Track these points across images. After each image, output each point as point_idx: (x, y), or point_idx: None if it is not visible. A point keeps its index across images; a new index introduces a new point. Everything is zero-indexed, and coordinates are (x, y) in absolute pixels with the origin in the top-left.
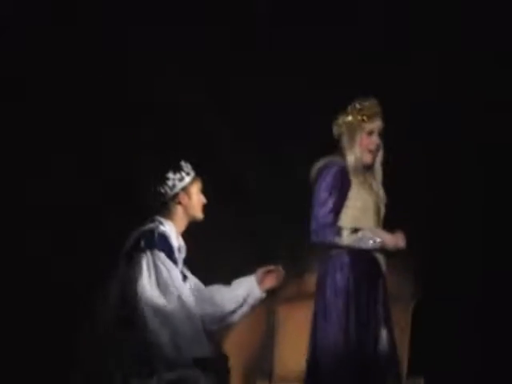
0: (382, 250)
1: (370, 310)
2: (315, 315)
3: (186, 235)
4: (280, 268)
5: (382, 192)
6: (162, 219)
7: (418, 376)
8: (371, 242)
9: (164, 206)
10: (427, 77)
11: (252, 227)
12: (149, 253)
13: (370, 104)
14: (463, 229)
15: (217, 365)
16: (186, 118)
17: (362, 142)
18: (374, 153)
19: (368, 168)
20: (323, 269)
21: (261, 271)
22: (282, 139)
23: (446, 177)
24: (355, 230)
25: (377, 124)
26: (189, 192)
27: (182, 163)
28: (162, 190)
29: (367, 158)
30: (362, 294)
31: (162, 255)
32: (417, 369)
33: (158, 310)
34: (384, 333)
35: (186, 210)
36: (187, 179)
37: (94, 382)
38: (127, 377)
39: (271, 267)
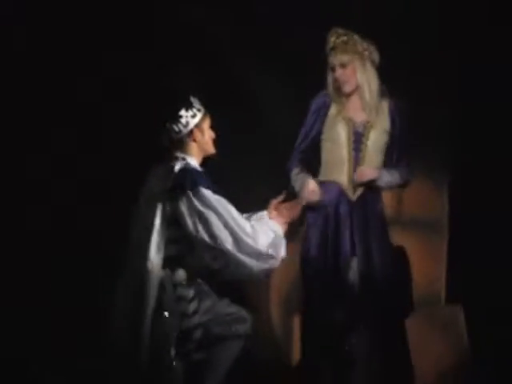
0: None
1: (339, 241)
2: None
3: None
4: (297, 202)
5: (374, 111)
6: (185, 156)
7: (455, 303)
8: (297, 188)
9: (179, 144)
10: None
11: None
12: (205, 191)
13: (331, 37)
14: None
15: None
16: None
17: (331, 78)
18: (342, 84)
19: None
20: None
21: (273, 204)
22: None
23: None
24: (300, 171)
25: (337, 58)
26: (201, 128)
27: (192, 99)
28: (176, 129)
29: (342, 89)
30: (330, 223)
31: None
32: (454, 296)
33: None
34: (354, 263)
35: (200, 146)
36: (199, 115)
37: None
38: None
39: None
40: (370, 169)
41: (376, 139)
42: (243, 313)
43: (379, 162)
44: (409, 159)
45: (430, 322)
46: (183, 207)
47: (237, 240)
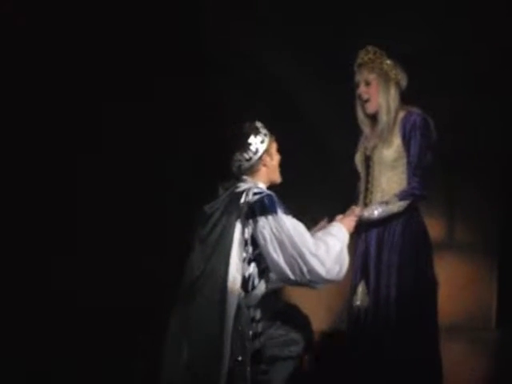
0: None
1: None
2: None
3: None
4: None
5: (386, 132)
6: (254, 180)
7: (508, 328)
8: None
9: (249, 170)
10: None
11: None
12: (284, 217)
13: (360, 53)
14: None
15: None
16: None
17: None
18: (364, 102)
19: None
20: None
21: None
22: None
23: None
24: None
25: (362, 75)
26: (270, 152)
27: (258, 124)
28: (247, 156)
29: (365, 109)
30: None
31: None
32: (506, 321)
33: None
34: (360, 289)
35: (268, 171)
36: (267, 140)
37: None
38: None
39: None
40: (359, 208)
41: (382, 157)
42: (294, 334)
43: (390, 179)
44: (422, 174)
45: (481, 346)
46: (264, 231)
47: (308, 268)
